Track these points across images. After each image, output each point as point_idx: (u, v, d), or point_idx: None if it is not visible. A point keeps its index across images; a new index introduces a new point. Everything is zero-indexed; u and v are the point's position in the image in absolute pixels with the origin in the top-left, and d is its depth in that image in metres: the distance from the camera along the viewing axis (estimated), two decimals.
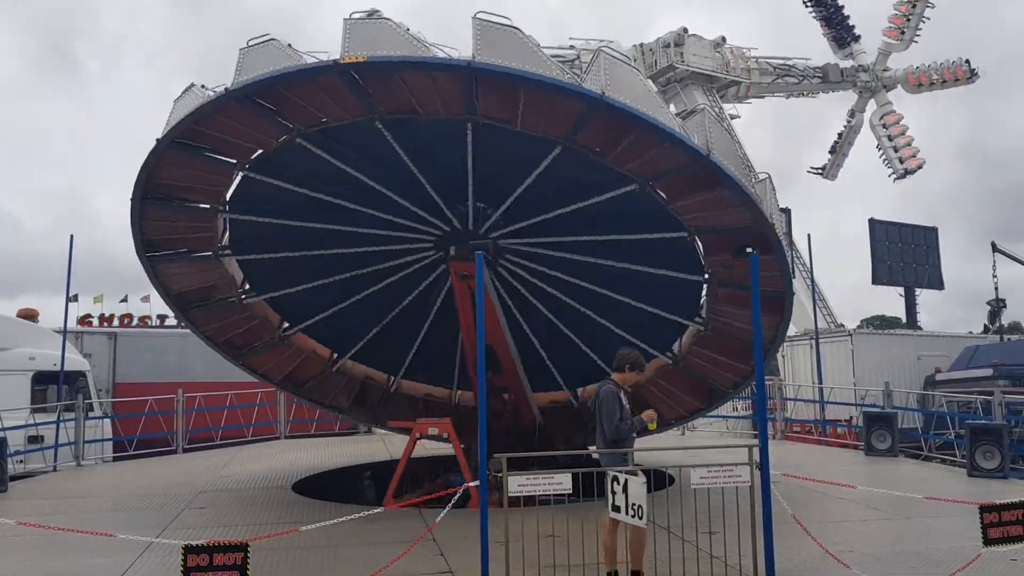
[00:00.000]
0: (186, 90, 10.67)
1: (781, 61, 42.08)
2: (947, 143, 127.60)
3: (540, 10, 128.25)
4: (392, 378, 15.06)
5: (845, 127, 43.31)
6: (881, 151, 41.68)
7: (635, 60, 40.61)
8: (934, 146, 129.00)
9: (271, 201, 12.11)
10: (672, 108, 41.20)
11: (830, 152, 44.32)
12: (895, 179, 41.69)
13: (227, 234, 12.77)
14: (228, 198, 12.10)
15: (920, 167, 41.24)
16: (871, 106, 42.18)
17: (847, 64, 41.96)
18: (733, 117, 40.84)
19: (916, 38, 40.03)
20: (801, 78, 41.94)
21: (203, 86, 10.31)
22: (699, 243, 11.78)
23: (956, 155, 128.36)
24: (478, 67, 9.13)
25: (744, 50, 41.47)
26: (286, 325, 14.08)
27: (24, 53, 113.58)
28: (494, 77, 9.31)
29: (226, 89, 9.86)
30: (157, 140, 10.67)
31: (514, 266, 12.71)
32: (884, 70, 41.09)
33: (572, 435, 14.30)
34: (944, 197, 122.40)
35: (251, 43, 9.90)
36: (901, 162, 41.27)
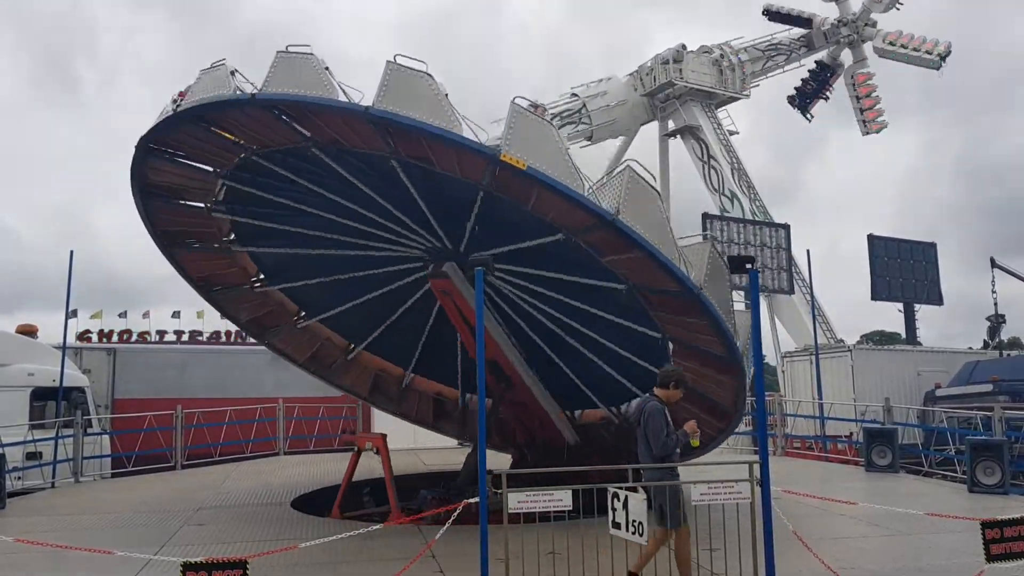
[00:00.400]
0: (215, 66, 10.43)
1: (767, 43, 42.35)
2: (946, 159, 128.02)
3: (539, 25, 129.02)
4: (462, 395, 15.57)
5: (817, 66, 43.23)
6: (855, 109, 42.35)
7: (635, 89, 40.72)
8: (933, 162, 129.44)
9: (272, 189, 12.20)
10: (671, 124, 41.43)
11: (798, 89, 44.30)
12: (863, 135, 42.63)
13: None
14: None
15: (882, 129, 42.08)
16: (848, 58, 42.61)
17: (828, 26, 42.26)
18: (732, 133, 40.98)
19: (899, 5, 40.62)
20: (788, 52, 42.36)
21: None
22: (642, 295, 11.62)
23: (955, 171, 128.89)
24: (376, 114, 9.09)
25: (730, 44, 41.51)
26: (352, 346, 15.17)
27: (24, 70, 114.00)
28: (395, 125, 9.25)
29: (174, 109, 10.03)
30: (175, 111, 10.56)
31: (512, 286, 12.74)
32: (866, 24, 41.42)
33: (620, 451, 14.27)
34: (943, 213, 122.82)
35: (213, 64, 10.06)
36: (864, 124, 41.90)
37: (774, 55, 42.02)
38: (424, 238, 12.15)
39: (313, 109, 9.74)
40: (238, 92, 9.79)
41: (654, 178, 10.05)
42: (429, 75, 9.30)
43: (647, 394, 8.57)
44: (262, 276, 14.27)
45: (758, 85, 42.46)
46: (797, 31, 42.71)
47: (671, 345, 12.10)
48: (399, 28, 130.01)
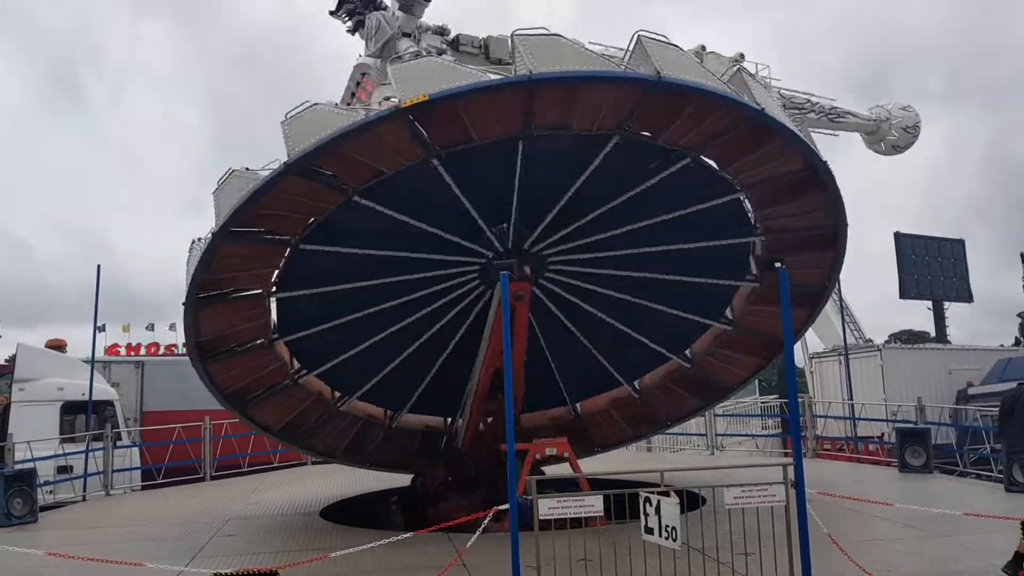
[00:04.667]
0: (226, 177, 10.36)
1: (804, 97, 41.83)
2: (971, 153, 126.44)
3: (549, 26, 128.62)
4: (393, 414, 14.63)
5: None
6: None
7: None
8: (958, 156, 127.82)
9: (315, 273, 11.92)
10: None
11: None
12: None
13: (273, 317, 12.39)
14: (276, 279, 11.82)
15: None
16: None
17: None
18: None
19: None
20: (821, 116, 41.78)
21: (246, 168, 10.14)
22: (748, 202, 12.07)
23: (981, 165, 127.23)
24: (539, 78, 9.23)
25: (765, 78, 41.12)
26: (337, 395, 13.66)
27: (31, 83, 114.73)
28: (554, 84, 9.46)
29: (285, 164, 9.54)
30: (212, 234, 10.24)
31: (556, 275, 12.72)
32: None
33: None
34: (969, 208, 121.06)
35: (291, 114, 9.72)
36: None
37: (809, 111, 41.31)
38: (485, 252, 11.96)
39: (463, 98, 9.53)
40: (373, 112, 9.77)
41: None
42: (559, 35, 9.78)
43: (1017, 384, 9.71)
44: (299, 367, 13.18)
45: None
46: (840, 104, 42.09)
47: (761, 246, 12.62)
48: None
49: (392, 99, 9.55)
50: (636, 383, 14.65)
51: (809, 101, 41.18)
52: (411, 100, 9.15)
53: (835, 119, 41.22)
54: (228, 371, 12.43)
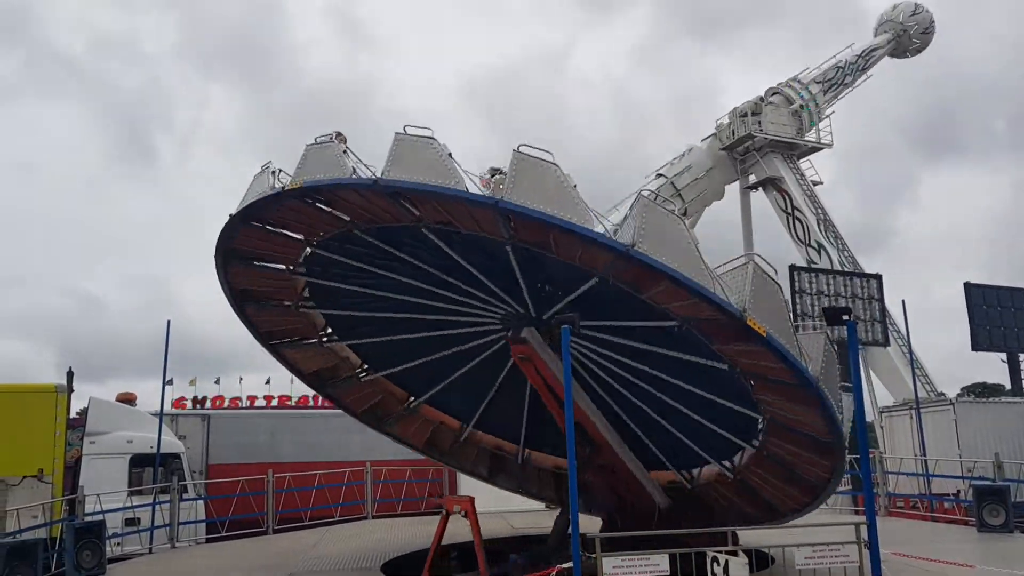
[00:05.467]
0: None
1: (836, 69, 41.94)
2: None
3: (604, 79, 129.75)
4: (522, 449, 15.42)
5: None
6: None
7: (718, 149, 40.39)
8: (1018, 203, 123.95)
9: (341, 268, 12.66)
10: (752, 177, 40.95)
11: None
12: None
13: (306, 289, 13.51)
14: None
15: None
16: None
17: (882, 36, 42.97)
18: (816, 183, 40.26)
19: None
20: (854, 71, 42.26)
21: (274, 172, 10.78)
22: (749, 381, 11.05)
23: None
24: (504, 206, 9.12)
25: (799, 79, 41.05)
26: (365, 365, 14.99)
27: (103, 143, 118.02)
28: (523, 216, 9.26)
29: (283, 188, 10.45)
30: (230, 216, 11.53)
31: (600, 355, 12.50)
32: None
33: (730, 509, 13.54)
34: None
35: (318, 139, 10.51)
36: None
37: (844, 77, 41.74)
38: (506, 305, 12.07)
39: (437, 198, 9.68)
40: (355, 175, 9.89)
41: (775, 271, 9.84)
42: (556, 165, 9.33)
43: None
44: (330, 330, 14.43)
45: (834, 111, 41.81)
46: (859, 46, 42.65)
47: (765, 424, 11.54)
48: (460, 89, 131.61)
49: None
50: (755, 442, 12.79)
51: (839, 69, 41.72)
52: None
53: (864, 67, 42.38)
54: (261, 316, 14.01)
